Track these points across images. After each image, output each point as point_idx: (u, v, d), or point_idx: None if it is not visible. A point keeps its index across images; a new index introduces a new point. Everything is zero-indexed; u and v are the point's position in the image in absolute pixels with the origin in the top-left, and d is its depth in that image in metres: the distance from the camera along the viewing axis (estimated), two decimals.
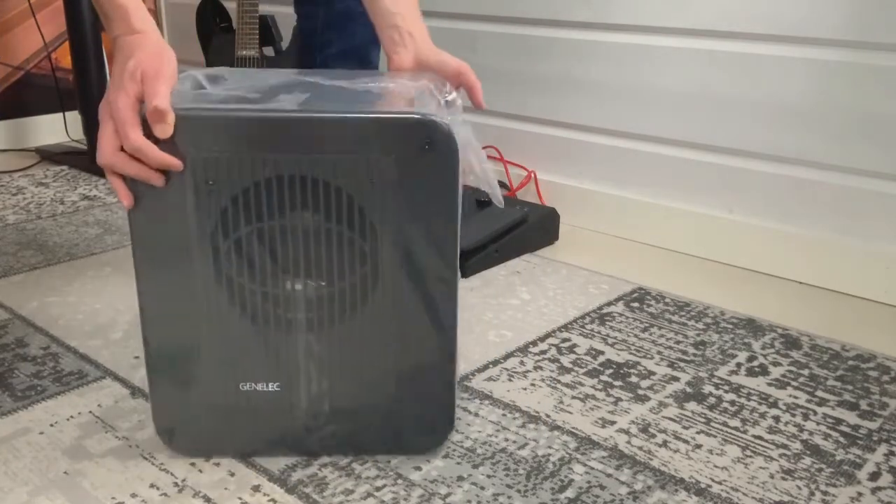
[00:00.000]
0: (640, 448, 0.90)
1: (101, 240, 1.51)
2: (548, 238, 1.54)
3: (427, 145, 0.75)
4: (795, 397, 1.02)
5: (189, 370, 0.83)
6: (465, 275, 1.37)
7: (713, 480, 0.85)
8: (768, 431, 0.94)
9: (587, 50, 1.57)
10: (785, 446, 0.91)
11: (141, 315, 0.81)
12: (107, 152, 0.75)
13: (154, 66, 0.76)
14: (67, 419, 0.94)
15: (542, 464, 0.87)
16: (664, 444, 0.91)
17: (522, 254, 1.48)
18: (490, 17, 1.69)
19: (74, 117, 2.11)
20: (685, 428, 0.94)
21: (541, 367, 1.08)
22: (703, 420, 0.96)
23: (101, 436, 0.91)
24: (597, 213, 1.62)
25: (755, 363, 1.10)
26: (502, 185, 1.70)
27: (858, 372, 1.08)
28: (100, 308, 1.23)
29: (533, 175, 1.69)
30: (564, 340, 1.16)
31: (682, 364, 1.09)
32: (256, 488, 0.82)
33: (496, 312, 1.24)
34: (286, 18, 1.78)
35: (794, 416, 0.97)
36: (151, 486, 0.83)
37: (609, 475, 0.86)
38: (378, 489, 0.82)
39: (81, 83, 1.95)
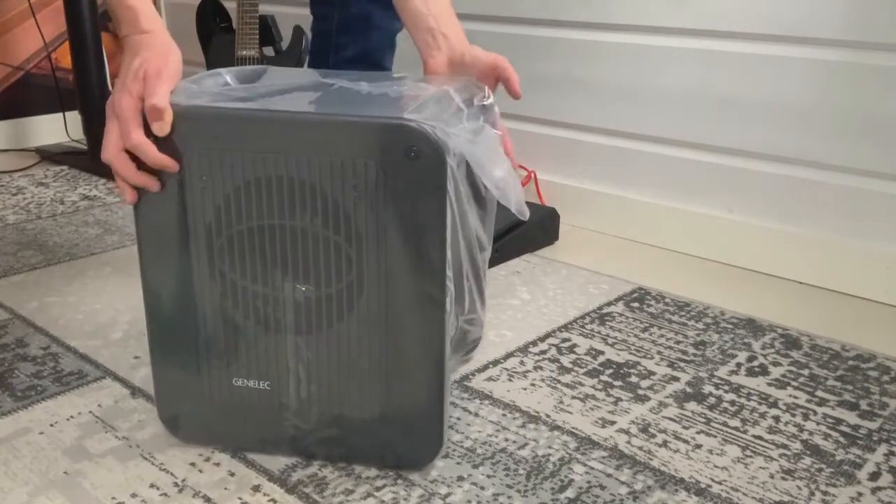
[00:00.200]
0: (640, 448, 0.90)
1: (101, 240, 1.51)
2: (548, 238, 1.54)
3: (413, 152, 0.73)
4: (795, 397, 1.02)
5: (188, 361, 0.84)
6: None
7: (713, 480, 0.85)
8: (768, 431, 0.94)
9: (587, 50, 1.57)
10: (785, 446, 0.91)
11: (145, 304, 0.83)
12: (110, 151, 0.77)
13: (156, 65, 0.77)
14: (67, 419, 0.94)
15: (542, 464, 0.87)
16: (664, 444, 0.91)
17: (522, 254, 1.48)
18: (490, 17, 1.69)
19: (74, 117, 2.11)
20: (685, 428, 0.94)
21: (541, 367, 1.08)
22: (703, 420, 0.96)
23: (101, 436, 0.91)
24: (597, 213, 1.62)
25: (755, 363, 1.10)
26: None
27: (858, 372, 1.08)
28: (100, 308, 1.23)
29: (533, 175, 1.69)
30: (564, 340, 1.16)
31: (682, 364, 1.09)
32: (256, 488, 0.82)
33: (496, 312, 1.24)
34: (286, 18, 1.78)
35: (794, 416, 0.97)
36: (151, 486, 0.83)
37: (609, 475, 0.86)
38: (378, 489, 0.82)
39: (81, 83, 1.95)
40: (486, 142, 0.78)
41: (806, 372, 1.08)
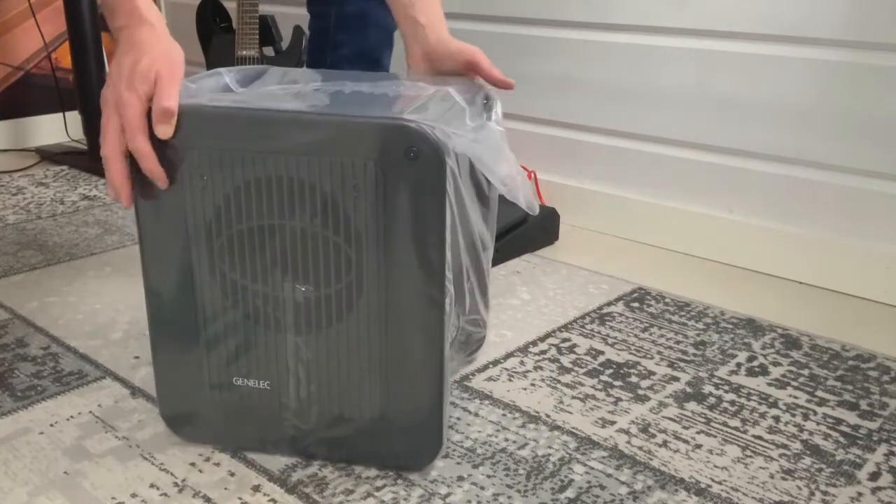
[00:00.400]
0: (640, 448, 0.90)
1: (101, 240, 1.51)
2: (548, 238, 1.54)
3: (412, 153, 0.73)
4: (795, 397, 1.02)
5: (190, 360, 0.84)
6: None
7: (713, 480, 0.85)
8: (768, 431, 0.94)
9: (587, 50, 1.57)
10: (785, 446, 0.91)
11: (147, 302, 0.83)
12: (109, 148, 0.76)
13: (168, 68, 0.76)
14: (67, 419, 0.94)
15: (542, 464, 0.87)
16: (664, 444, 0.91)
17: (522, 254, 1.48)
18: (490, 17, 1.69)
19: (74, 117, 2.11)
20: (685, 428, 0.94)
21: (541, 367, 1.08)
22: (703, 420, 0.96)
23: (101, 436, 0.91)
24: (597, 213, 1.62)
25: (755, 363, 1.10)
26: None
27: (858, 372, 1.08)
28: (100, 308, 1.23)
29: (533, 175, 1.69)
30: (564, 340, 1.16)
31: (682, 364, 1.09)
32: (256, 488, 0.82)
33: (496, 312, 1.24)
34: (286, 18, 1.78)
35: (794, 416, 0.97)
36: (151, 486, 0.83)
37: (609, 475, 0.86)
38: (378, 489, 0.82)
39: (81, 83, 1.95)
40: (489, 140, 0.78)
41: (806, 372, 1.08)
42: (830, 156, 1.33)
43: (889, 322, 1.25)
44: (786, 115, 1.36)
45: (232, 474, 0.84)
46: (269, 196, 0.77)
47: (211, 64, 1.82)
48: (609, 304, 1.28)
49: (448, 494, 0.82)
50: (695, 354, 1.12)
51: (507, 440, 0.91)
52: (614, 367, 1.08)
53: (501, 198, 0.94)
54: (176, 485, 0.83)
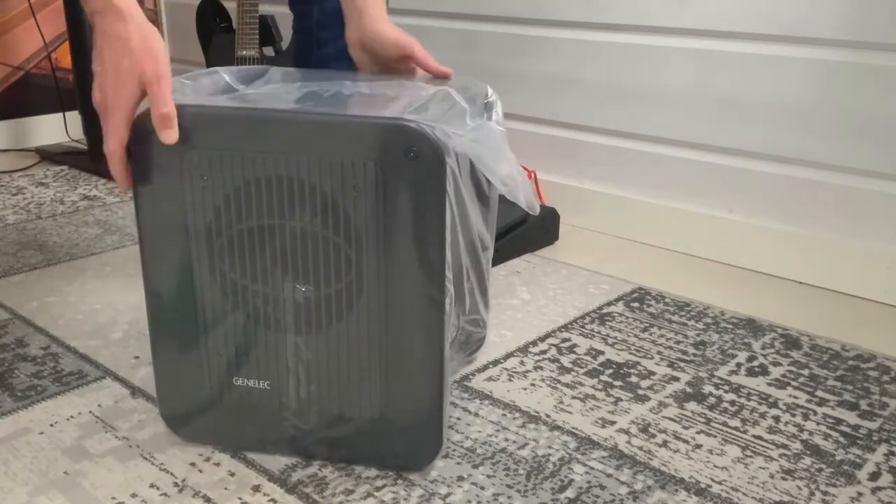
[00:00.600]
0: (640, 448, 0.90)
1: (101, 240, 1.51)
2: (548, 238, 1.54)
3: (412, 153, 0.73)
4: (795, 397, 1.02)
5: (190, 360, 0.84)
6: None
7: (713, 480, 0.85)
8: (768, 431, 0.94)
9: (587, 50, 1.57)
10: (785, 446, 0.91)
11: (147, 302, 0.83)
12: (109, 148, 0.78)
13: (153, 69, 0.75)
14: (67, 419, 0.94)
15: (542, 464, 0.87)
16: (664, 444, 0.91)
17: (522, 254, 1.48)
18: (490, 17, 1.69)
19: (74, 117, 2.11)
20: (685, 428, 0.94)
21: (541, 367, 1.08)
22: (703, 420, 0.96)
23: (101, 436, 0.91)
24: (597, 213, 1.62)
25: (755, 363, 1.10)
26: None
27: (858, 372, 1.08)
28: (100, 308, 1.23)
29: (533, 175, 1.69)
30: (564, 340, 1.16)
31: (682, 364, 1.09)
32: (256, 488, 0.82)
33: (496, 312, 1.24)
34: (286, 18, 1.78)
35: (794, 416, 0.97)
36: (151, 486, 0.83)
37: (609, 475, 0.86)
38: (378, 489, 0.82)
39: (81, 83, 1.95)
40: (489, 140, 0.78)
41: (806, 372, 1.08)
42: (830, 156, 1.33)
43: (889, 322, 1.25)
44: (786, 115, 1.36)
45: (232, 474, 0.84)
46: (269, 196, 0.77)
47: (211, 64, 1.82)
48: (609, 304, 1.28)
49: (448, 494, 0.82)
50: (695, 354, 1.12)
51: (507, 440, 0.91)
52: (614, 367, 1.08)
53: (502, 198, 0.94)
54: (176, 485, 0.83)
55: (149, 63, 0.75)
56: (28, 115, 2.21)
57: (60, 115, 2.21)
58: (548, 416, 0.96)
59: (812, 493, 0.83)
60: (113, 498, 0.81)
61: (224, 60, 1.77)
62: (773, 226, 1.41)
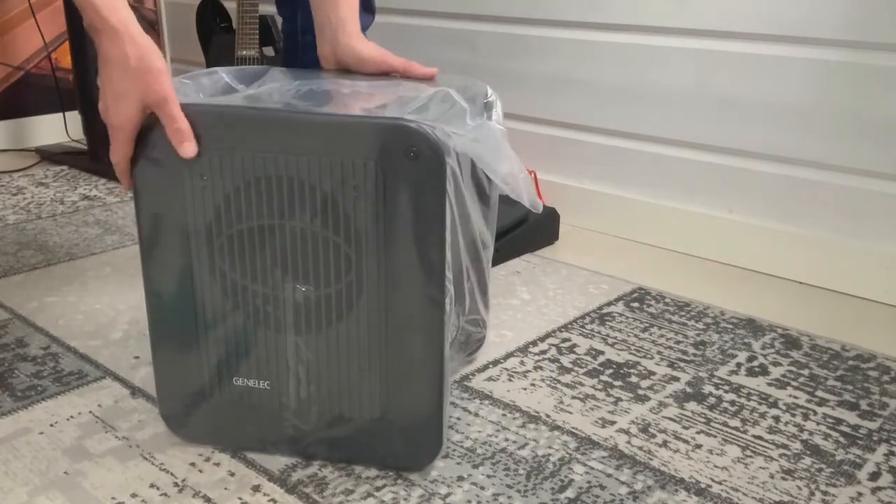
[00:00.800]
0: (640, 448, 0.90)
1: (101, 240, 1.51)
2: (548, 238, 1.54)
3: (412, 153, 0.73)
4: (795, 397, 1.02)
5: (190, 360, 0.84)
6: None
7: (713, 480, 0.85)
8: (768, 431, 0.94)
9: (587, 50, 1.57)
10: (785, 446, 0.91)
11: (147, 302, 0.83)
12: (115, 158, 0.79)
13: (157, 91, 0.74)
14: (67, 419, 0.94)
15: (542, 464, 0.87)
16: (664, 444, 0.91)
17: (522, 254, 1.48)
18: (490, 17, 1.69)
19: (74, 117, 2.11)
20: (685, 428, 0.94)
21: (541, 367, 1.08)
22: (703, 420, 0.96)
23: (101, 436, 0.91)
24: (597, 213, 1.62)
25: (755, 363, 1.10)
26: None
27: (858, 372, 1.08)
28: (100, 308, 1.23)
29: (533, 175, 1.69)
30: (564, 340, 1.16)
31: (682, 364, 1.09)
32: (256, 488, 0.82)
33: (496, 312, 1.24)
34: None
35: (794, 416, 0.97)
36: (151, 486, 0.83)
37: (609, 475, 0.86)
38: (378, 489, 0.82)
39: (81, 83, 1.96)
40: (490, 139, 0.78)
41: (806, 372, 1.08)
42: (830, 156, 1.33)
43: (889, 322, 1.25)
44: (786, 115, 1.36)
45: (232, 474, 0.84)
46: (269, 196, 0.77)
47: (211, 64, 1.82)
48: (609, 304, 1.28)
49: (448, 494, 0.82)
50: (695, 354, 1.12)
51: (507, 440, 0.91)
52: (614, 367, 1.08)
53: (502, 197, 0.93)
54: (176, 485, 0.83)
55: (152, 84, 0.74)
56: (28, 115, 2.21)
57: (60, 115, 2.20)
58: (548, 416, 0.96)
59: (812, 493, 0.83)
60: (113, 498, 0.81)
61: (224, 60, 1.77)
62: (773, 226, 1.41)
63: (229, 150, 0.76)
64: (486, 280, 0.98)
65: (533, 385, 1.03)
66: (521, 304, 1.27)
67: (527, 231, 1.48)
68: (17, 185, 1.86)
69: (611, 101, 1.56)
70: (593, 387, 1.03)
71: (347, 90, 0.85)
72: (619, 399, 1.00)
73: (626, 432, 0.93)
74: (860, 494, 0.84)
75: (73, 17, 1.93)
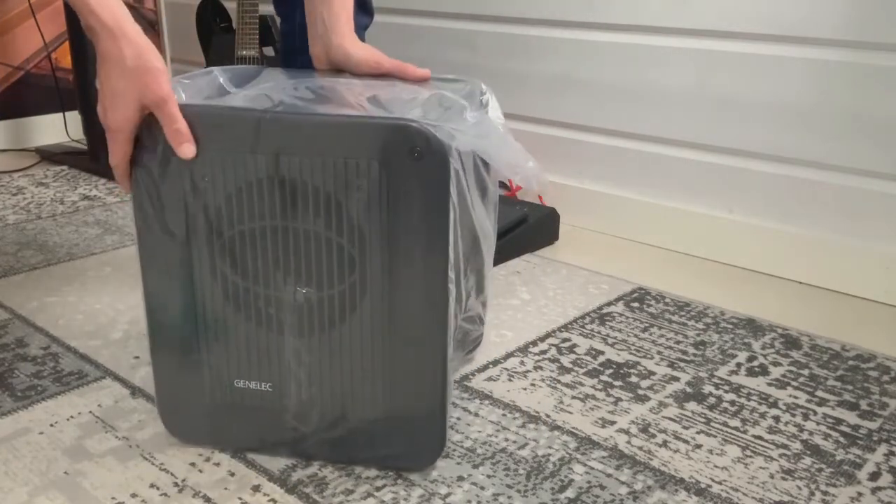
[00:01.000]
0: (640, 448, 0.90)
1: (101, 240, 1.51)
2: (548, 238, 1.54)
3: (416, 153, 0.73)
4: (795, 397, 1.02)
5: (189, 363, 0.84)
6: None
7: (713, 480, 0.85)
8: (768, 431, 0.94)
9: (587, 50, 1.57)
10: (785, 446, 0.91)
11: (145, 305, 0.83)
12: (114, 161, 0.78)
13: (155, 90, 0.74)
14: (67, 419, 0.94)
15: (542, 464, 0.87)
16: (664, 444, 0.91)
17: (522, 254, 1.48)
18: (490, 17, 1.69)
19: (74, 117, 2.11)
20: (685, 428, 0.94)
21: (541, 367, 1.08)
22: (703, 420, 0.96)
23: (101, 436, 0.91)
24: (597, 213, 1.62)
25: (755, 363, 1.10)
26: (503, 185, 1.70)
27: (858, 372, 1.08)
28: (100, 308, 1.23)
29: None
30: (564, 340, 1.16)
31: (682, 364, 1.09)
32: (256, 488, 0.82)
33: (496, 312, 1.24)
34: None
35: (794, 416, 0.97)
36: (151, 486, 0.83)
37: (609, 475, 0.86)
38: (378, 489, 0.82)
39: (81, 83, 1.96)
40: (492, 133, 0.78)
41: (806, 372, 1.08)
42: (830, 156, 1.33)
43: (889, 322, 1.25)
44: (786, 115, 1.36)
45: (232, 474, 0.84)
46: (271, 197, 0.77)
47: (211, 64, 1.82)
48: (609, 304, 1.28)
49: (448, 494, 0.82)
50: (695, 354, 1.12)
51: (507, 440, 0.91)
52: (614, 367, 1.08)
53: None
54: (176, 485, 0.83)
55: (151, 84, 0.74)
56: (28, 115, 2.21)
57: (60, 115, 2.21)
58: (548, 416, 0.96)
59: (812, 493, 0.83)
60: (113, 498, 0.81)
61: (224, 60, 1.77)
62: (773, 226, 1.41)
63: (231, 152, 0.76)
64: (483, 278, 0.98)
65: (533, 385, 1.03)
66: (521, 304, 1.27)
67: (527, 231, 1.48)
68: (17, 185, 1.86)
69: (611, 101, 1.56)
70: (593, 387, 1.03)
71: (343, 90, 0.85)
72: (619, 399, 1.00)
73: (626, 432, 0.93)
74: (860, 494, 0.84)
75: (73, 17, 1.93)
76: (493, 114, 0.89)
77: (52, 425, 0.93)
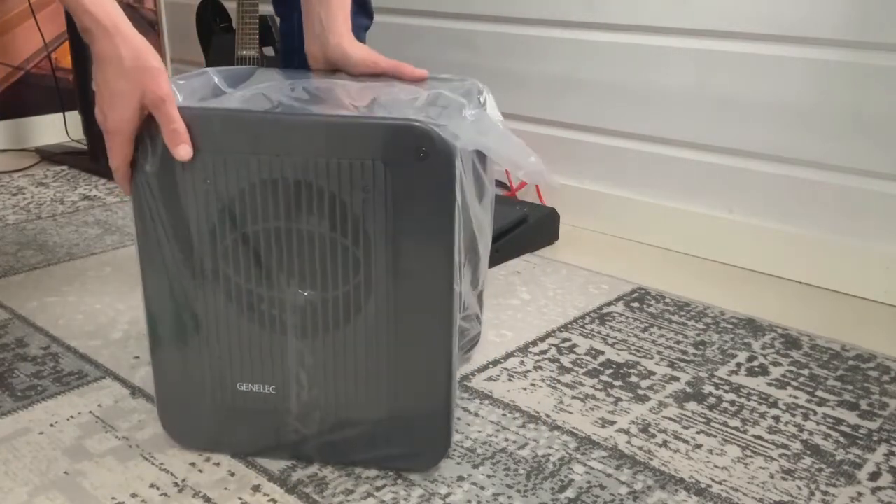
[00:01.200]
0: (640, 448, 0.90)
1: (101, 240, 1.51)
2: (548, 238, 1.54)
3: (422, 153, 0.73)
4: (795, 397, 1.02)
5: (191, 367, 0.83)
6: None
7: (713, 480, 0.85)
8: (768, 431, 0.94)
9: (587, 50, 1.57)
10: (785, 446, 0.91)
11: (145, 309, 0.82)
12: (115, 164, 0.77)
13: (154, 90, 0.73)
14: (67, 419, 0.94)
15: (542, 464, 0.87)
16: (664, 444, 0.91)
17: (522, 254, 1.48)
18: (490, 17, 1.69)
19: (74, 117, 2.11)
20: (685, 428, 0.94)
21: (541, 367, 1.08)
22: (703, 420, 0.96)
23: (101, 436, 0.91)
24: (597, 213, 1.62)
25: (755, 363, 1.10)
26: (503, 185, 1.71)
27: (858, 372, 1.08)
28: (100, 308, 1.23)
29: None
30: (564, 340, 1.16)
31: (682, 364, 1.09)
32: (256, 488, 0.82)
33: (496, 312, 1.24)
34: None
35: (794, 416, 0.97)
36: (151, 486, 0.83)
37: (609, 475, 0.86)
38: (378, 489, 0.82)
39: (81, 83, 1.96)
40: (493, 129, 0.78)
41: (806, 372, 1.08)
42: (830, 156, 1.33)
43: (889, 322, 1.25)
44: (786, 115, 1.36)
45: (232, 474, 0.84)
46: (275, 198, 0.76)
47: (211, 64, 1.82)
48: (609, 304, 1.28)
49: (448, 494, 0.82)
50: (695, 354, 1.12)
51: (507, 440, 0.91)
52: (614, 367, 1.08)
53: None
54: (176, 485, 0.83)
55: (149, 84, 0.73)
56: (28, 115, 2.21)
57: (60, 115, 2.21)
58: (548, 416, 0.96)
59: (812, 493, 0.84)
60: (113, 498, 0.81)
61: (224, 60, 1.77)
62: (773, 226, 1.41)
63: (234, 153, 0.75)
64: (479, 276, 0.98)
65: (533, 385, 1.03)
66: (521, 304, 1.27)
67: (527, 231, 1.48)
68: (17, 185, 1.86)
69: (611, 101, 1.56)
70: (593, 387, 1.03)
71: (342, 91, 0.85)
72: (619, 399, 1.00)
73: (626, 432, 0.93)
74: (860, 494, 0.84)
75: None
76: (490, 113, 0.89)
77: (52, 425, 0.93)
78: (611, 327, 1.20)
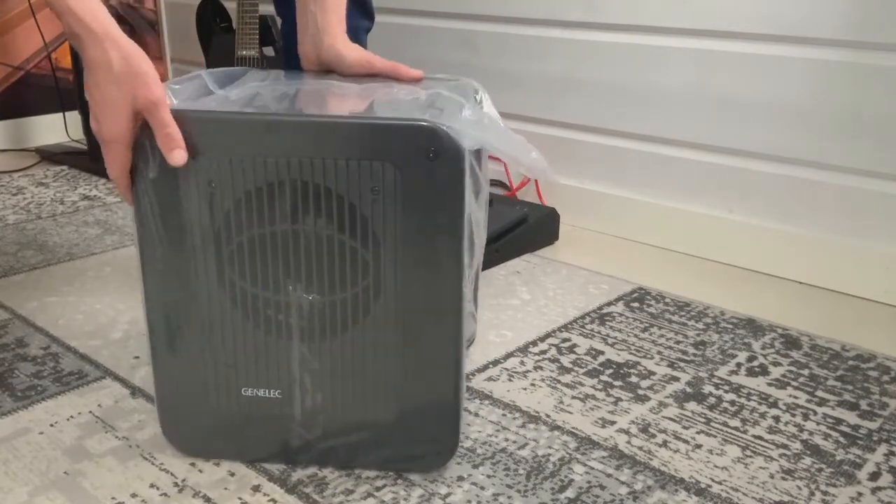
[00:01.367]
0: (640, 448, 0.90)
1: (101, 240, 1.51)
2: (548, 238, 1.54)
3: (431, 153, 0.73)
4: (795, 397, 1.02)
5: (193, 372, 0.82)
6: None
7: (713, 480, 0.85)
8: (768, 431, 0.94)
9: (587, 50, 1.57)
10: (785, 446, 0.91)
11: (146, 313, 0.81)
12: (114, 171, 0.76)
13: (145, 94, 0.72)
14: (67, 419, 0.94)
15: (542, 464, 0.87)
16: (664, 444, 0.91)
17: (522, 254, 1.48)
18: (490, 17, 1.69)
19: (74, 117, 2.11)
20: (685, 428, 0.94)
21: (541, 367, 1.08)
22: (703, 420, 0.96)
23: (101, 436, 0.91)
24: (597, 213, 1.62)
25: (755, 363, 1.10)
26: (503, 185, 1.71)
27: (858, 372, 1.08)
28: (100, 308, 1.23)
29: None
30: (564, 340, 1.16)
31: (682, 364, 1.09)
32: (256, 488, 0.82)
33: (496, 312, 1.24)
34: None
35: (794, 416, 0.97)
36: (151, 486, 0.83)
37: (609, 475, 0.86)
38: (378, 489, 0.82)
39: (81, 83, 1.95)
40: (492, 126, 0.78)
41: (806, 372, 1.08)
42: (830, 156, 1.33)
43: (889, 322, 1.25)
44: (786, 115, 1.36)
45: (232, 474, 0.84)
46: (282, 201, 0.75)
47: (211, 64, 1.82)
48: (609, 304, 1.28)
49: (448, 494, 0.82)
50: (695, 354, 1.12)
51: (507, 440, 0.91)
52: (614, 367, 1.08)
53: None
54: (176, 485, 0.83)
55: (140, 89, 0.72)
56: (28, 115, 2.21)
57: (60, 115, 2.21)
58: (548, 416, 0.96)
59: (812, 493, 0.84)
60: (113, 498, 0.81)
61: (224, 60, 1.77)
62: (773, 226, 1.41)
63: (239, 156, 0.74)
64: (476, 274, 0.97)
65: (533, 385, 1.03)
66: (521, 304, 1.27)
67: (527, 231, 1.48)
68: (17, 185, 1.86)
69: (610, 101, 1.56)
70: (593, 387, 1.03)
71: (341, 92, 0.85)
72: (619, 399, 1.00)
73: (626, 432, 0.93)
74: (860, 494, 0.84)
75: None
76: (488, 111, 0.90)
77: (52, 425, 0.93)
78: (611, 327, 1.20)
